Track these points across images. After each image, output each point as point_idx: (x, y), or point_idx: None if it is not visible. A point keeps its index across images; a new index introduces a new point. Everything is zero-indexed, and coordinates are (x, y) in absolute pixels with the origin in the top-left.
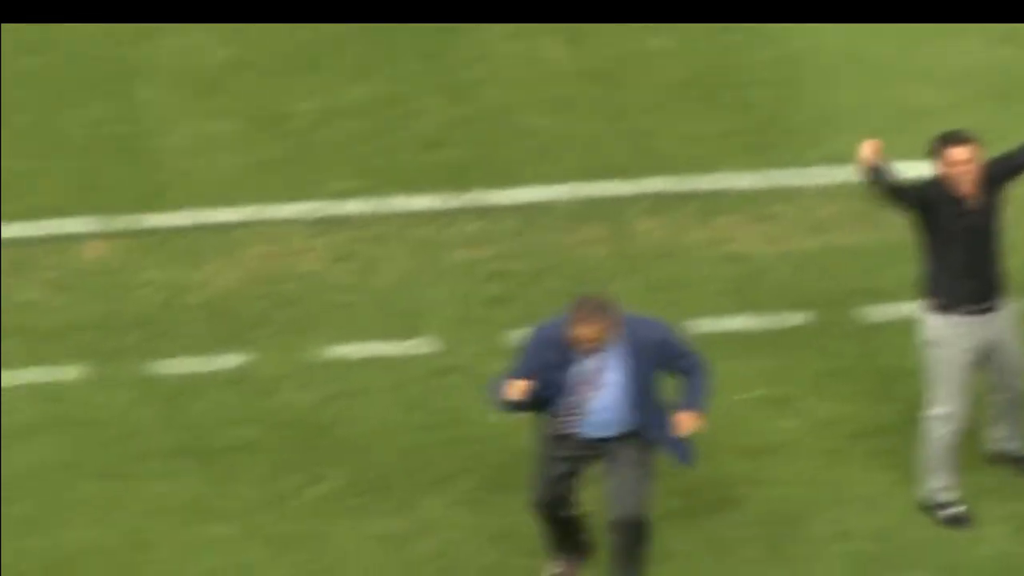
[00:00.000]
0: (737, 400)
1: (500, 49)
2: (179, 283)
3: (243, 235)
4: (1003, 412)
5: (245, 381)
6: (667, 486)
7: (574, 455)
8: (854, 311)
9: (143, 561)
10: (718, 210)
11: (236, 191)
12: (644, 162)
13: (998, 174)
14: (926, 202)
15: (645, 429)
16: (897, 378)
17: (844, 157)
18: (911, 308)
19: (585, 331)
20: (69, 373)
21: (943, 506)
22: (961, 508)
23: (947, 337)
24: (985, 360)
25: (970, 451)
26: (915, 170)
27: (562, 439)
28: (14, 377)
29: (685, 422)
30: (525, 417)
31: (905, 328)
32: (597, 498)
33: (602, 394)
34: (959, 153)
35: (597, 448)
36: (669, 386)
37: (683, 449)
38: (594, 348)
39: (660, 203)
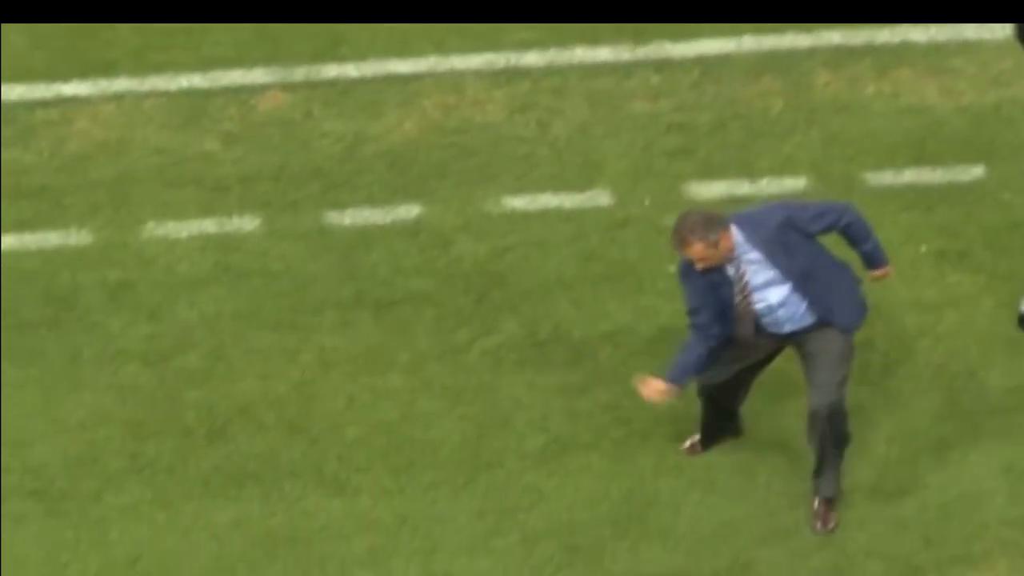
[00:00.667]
0: (914, 254)
1: None
2: (357, 134)
3: (422, 86)
4: None
5: (421, 233)
6: None
7: (764, 349)
8: None
9: (314, 412)
10: (895, 63)
11: (415, 42)
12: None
13: None
14: None
15: (827, 309)
16: None
17: None
18: None
19: (689, 254)
20: (245, 224)
21: None
22: None
23: None
24: None
25: None
26: None
27: (744, 341)
28: (190, 227)
29: (884, 274)
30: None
31: None
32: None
33: (765, 296)
34: None
35: (786, 340)
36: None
37: (858, 313)
38: (717, 263)
39: (837, 56)
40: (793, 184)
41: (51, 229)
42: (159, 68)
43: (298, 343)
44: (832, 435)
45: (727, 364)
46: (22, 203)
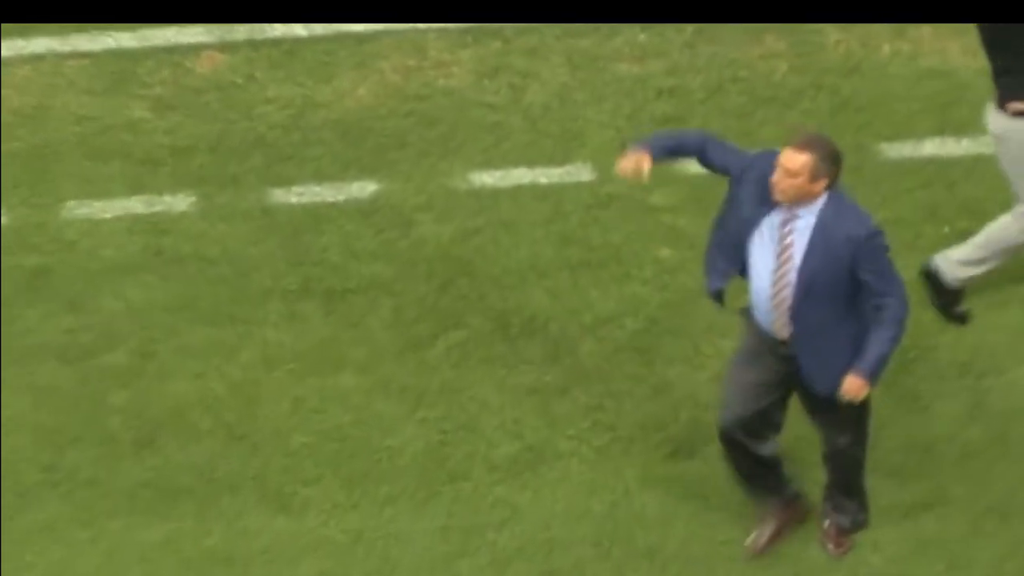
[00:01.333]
0: (935, 235)
1: None
2: (305, 100)
3: (378, 46)
4: None
5: (377, 212)
6: None
7: (772, 367)
8: None
9: (256, 417)
10: None
11: None
12: None
13: None
14: None
15: (808, 351)
16: None
17: None
18: None
19: (791, 158)
20: (178, 203)
21: None
22: None
23: None
24: None
25: None
26: None
27: (757, 344)
28: (114, 207)
29: (851, 385)
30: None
31: None
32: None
33: (783, 271)
34: None
35: (788, 365)
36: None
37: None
38: (790, 191)
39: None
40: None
41: None
42: (82, 26)
43: (238, 338)
44: (841, 480)
45: (736, 386)
46: None
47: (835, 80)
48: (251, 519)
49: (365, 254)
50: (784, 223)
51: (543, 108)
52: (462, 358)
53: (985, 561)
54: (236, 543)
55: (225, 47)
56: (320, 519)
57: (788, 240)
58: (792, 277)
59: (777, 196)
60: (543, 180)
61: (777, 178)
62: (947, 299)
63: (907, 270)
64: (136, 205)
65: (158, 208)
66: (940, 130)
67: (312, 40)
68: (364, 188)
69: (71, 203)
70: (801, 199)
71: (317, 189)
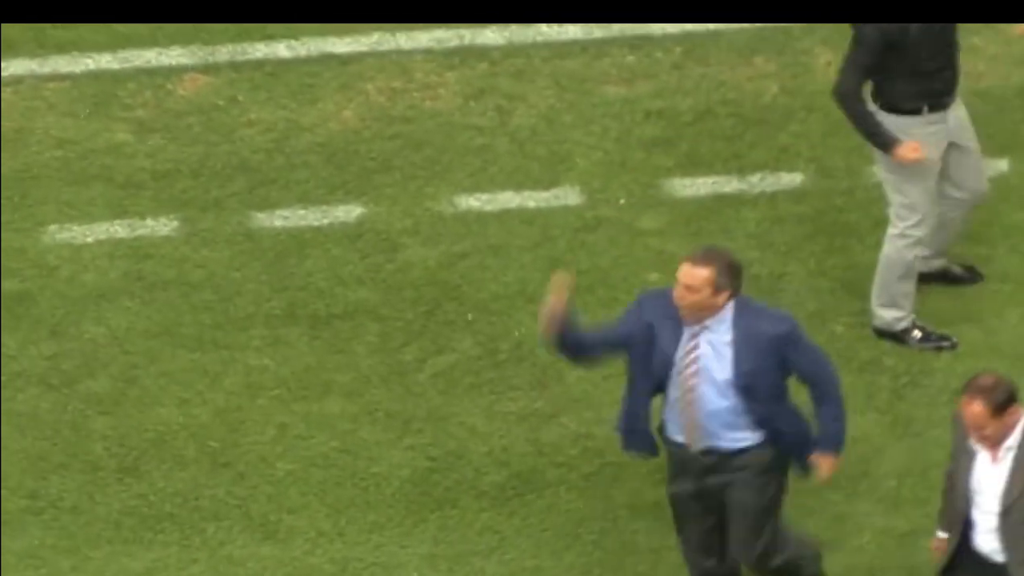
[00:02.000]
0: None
1: None
2: (289, 123)
3: (363, 68)
4: None
5: (363, 236)
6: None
7: (700, 488)
8: None
9: (241, 444)
10: None
11: None
12: None
13: None
14: None
15: (768, 434)
16: None
17: None
18: None
19: (691, 273)
20: (160, 227)
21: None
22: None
23: None
24: None
25: None
26: None
27: (683, 465)
28: (96, 232)
29: (822, 466)
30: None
31: None
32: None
33: (702, 384)
34: None
35: (713, 470)
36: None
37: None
38: (695, 308)
39: (839, 33)
40: (789, 180)
41: None
42: (62, 47)
43: (222, 364)
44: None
45: (692, 542)
46: None
47: (826, 102)
48: (236, 547)
49: (351, 278)
50: (692, 336)
51: (530, 131)
52: (449, 384)
53: None
54: (221, 571)
55: (208, 69)
56: (306, 547)
57: (693, 356)
58: (697, 382)
59: (683, 314)
60: (530, 204)
61: (679, 295)
62: (912, 339)
63: None
64: (118, 229)
65: (140, 232)
66: None
67: (296, 62)
68: (349, 212)
69: (52, 227)
70: (705, 312)
71: (302, 213)
